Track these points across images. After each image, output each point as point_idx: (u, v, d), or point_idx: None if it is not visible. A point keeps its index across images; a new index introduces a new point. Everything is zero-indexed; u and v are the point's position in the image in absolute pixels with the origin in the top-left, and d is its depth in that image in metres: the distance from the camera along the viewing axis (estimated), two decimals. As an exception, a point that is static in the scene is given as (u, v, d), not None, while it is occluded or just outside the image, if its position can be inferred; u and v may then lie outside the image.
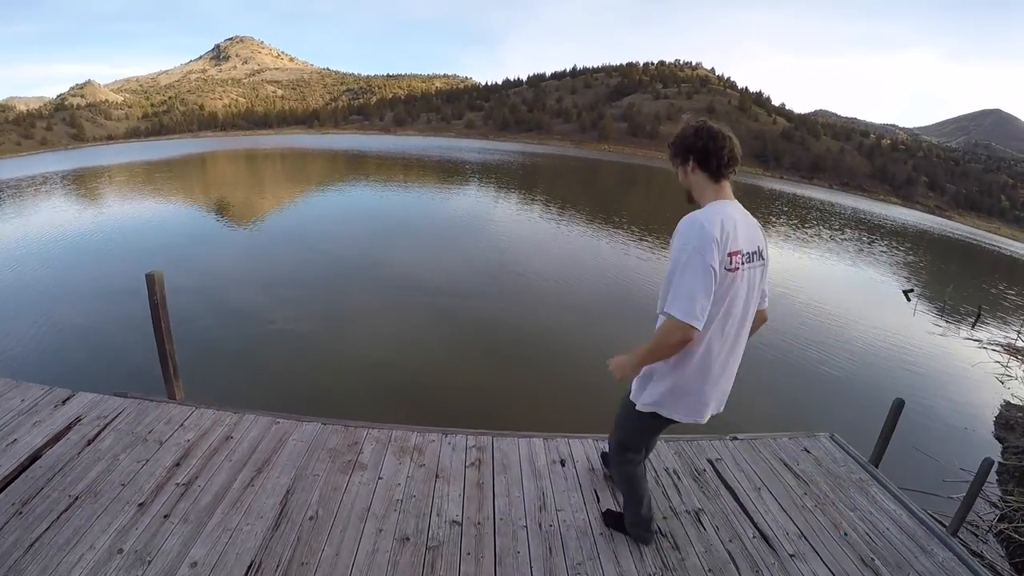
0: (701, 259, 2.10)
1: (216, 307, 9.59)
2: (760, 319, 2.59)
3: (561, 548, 2.95)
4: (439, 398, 6.84)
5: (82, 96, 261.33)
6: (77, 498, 2.95)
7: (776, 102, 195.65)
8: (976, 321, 14.38)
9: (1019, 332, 13.59)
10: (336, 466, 3.44)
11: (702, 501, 3.50)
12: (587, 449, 3.86)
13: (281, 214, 21.03)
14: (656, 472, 3.75)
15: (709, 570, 2.95)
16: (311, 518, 2.97)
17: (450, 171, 44.14)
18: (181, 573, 2.54)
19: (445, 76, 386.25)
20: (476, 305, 10.62)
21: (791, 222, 33.67)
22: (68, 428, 3.57)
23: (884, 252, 27.09)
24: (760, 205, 43.50)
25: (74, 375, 6.65)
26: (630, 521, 3.04)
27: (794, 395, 8.27)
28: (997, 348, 12.04)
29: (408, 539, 2.90)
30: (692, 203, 2.40)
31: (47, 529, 2.73)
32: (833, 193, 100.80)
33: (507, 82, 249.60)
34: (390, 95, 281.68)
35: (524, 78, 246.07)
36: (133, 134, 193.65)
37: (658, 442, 4.10)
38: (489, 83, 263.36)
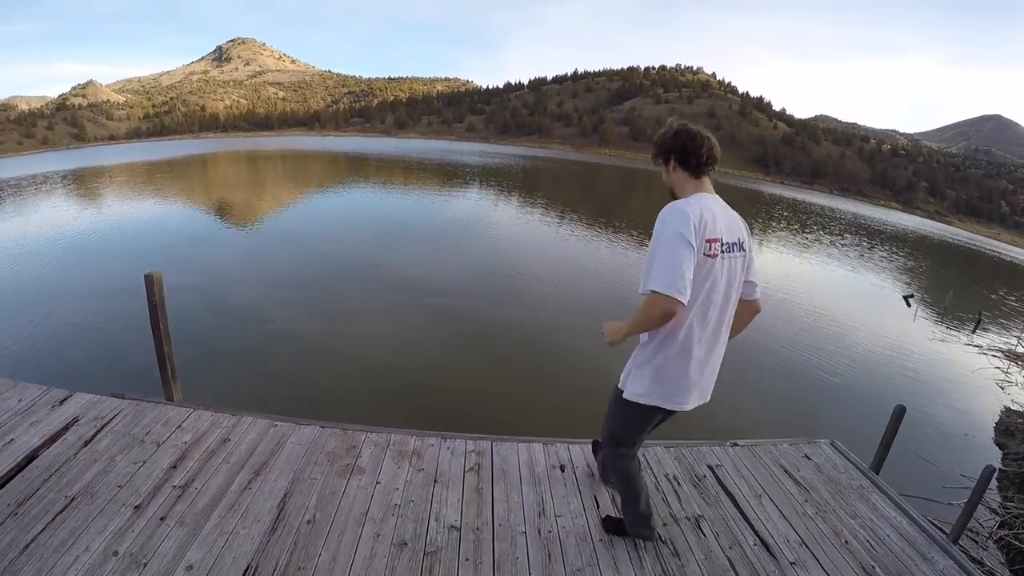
0: (681, 238, 2.20)
1: (215, 308, 9.57)
2: (753, 310, 2.70)
3: (560, 555, 2.93)
4: (438, 402, 6.82)
5: (84, 96, 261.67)
6: (73, 499, 2.93)
7: (777, 107, 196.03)
8: (976, 327, 14.36)
9: (1019, 338, 13.58)
10: (334, 470, 3.42)
11: (702, 508, 3.48)
12: (587, 455, 3.84)
13: (281, 215, 21.03)
14: (656, 478, 3.73)
15: (709, 577, 2.93)
16: (308, 522, 2.95)
17: (451, 174, 44.16)
18: (177, 576, 2.52)
19: (446, 79, 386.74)
20: (476, 308, 10.60)
21: (791, 227, 33.65)
22: (65, 429, 3.55)
23: (884, 257, 27.08)
24: (760, 210, 43.50)
25: (72, 375, 6.62)
26: (630, 521, 3.04)
27: (794, 401, 8.25)
28: (997, 354, 12.02)
29: (406, 544, 2.87)
30: (675, 200, 2.47)
31: (43, 530, 2.71)
32: (833, 198, 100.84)
33: (508, 86, 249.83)
34: (391, 98, 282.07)
35: (525, 82, 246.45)
36: (134, 134, 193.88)
37: (658, 447, 4.09)
38: (490, 86, 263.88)
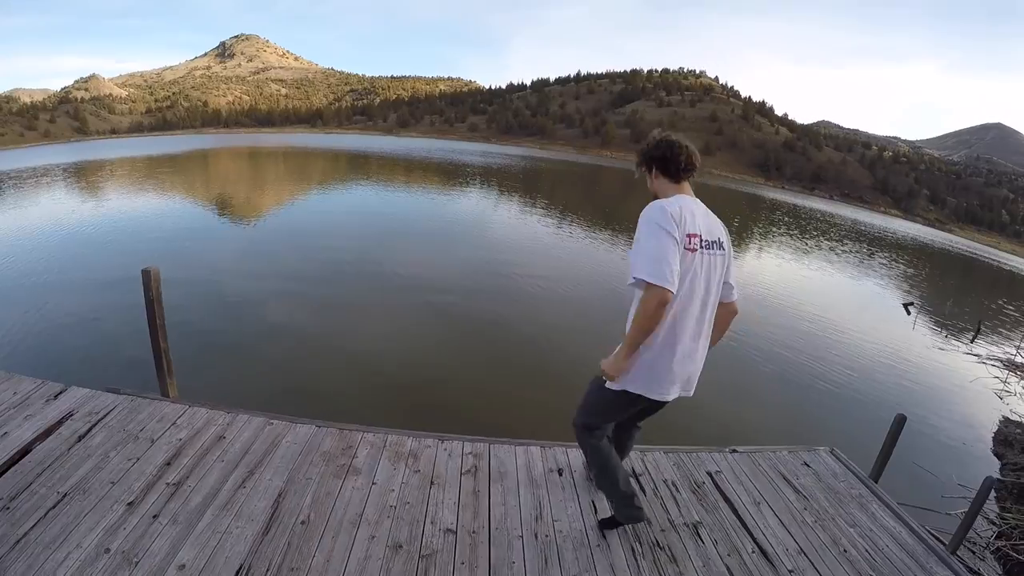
0: (663, 231, 2.35)
1: (213, 304, 9.54)
2: (730, 312, 2.78)
3: (557, 559, 2.90)
4: (436, 403, 6.79)
5: (86, 90, 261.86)
6: (66, 495, 2.90)
7: (779, 112, 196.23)
8: (975, 336, 14.34)
9: (1018, 347, 13.56)
10: (330, 470, 3.39)
11: (700, 514, 3.45)
12: (584, 457, 3.80)
13: (281, 212, 21.01)
14: (655, 483, 3.71)
15: (707, 585, 2.90)
16: (303, 522, 2.91)
17: (452, 174, 44.15)
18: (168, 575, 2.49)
19: (449, 79, 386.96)
20: (475, 308, 10.58)
21: (791, 232, 33.64)
22: (59, 423, 3.52)
23: (884, 265, 27.08)
24: (761, 215, 43.51)
25: (68, 369, 6.60)
26: (615, 505, 3.06)
27: (793, 408, 8.23)
28: (996, 363, 11.99)
29: (401, 547, 2.84)
30: None
31: (34, 526, 2.67)
32: (834, 204, 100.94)
33: (511, 86, 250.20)
34: (394, 96, 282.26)
35: (528, 82, 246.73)
36: (136, 129, 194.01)
37: (657, 452, 4.07)
38: (493, 87, 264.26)
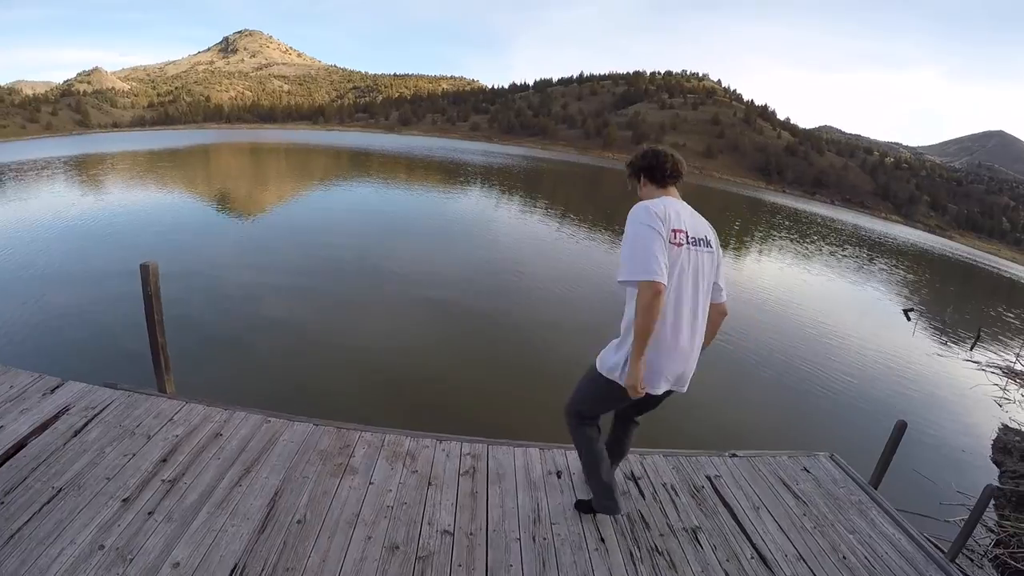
0: (649, 227, 2.46)
1: (211, 299, 9.52)
2: (719, 312, 2.85)
3: (555, 563, 2.87)
4: (434, 402, 6.77)
5: (89, 83, 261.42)
6: (60, 490, 2.87)
7: (781, 116, 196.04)
8: (975, 343, 14.34)
9: (1018, 355, 13.53)
10: (327, 469, 3.36)
11: (699, 519, 3.43)
12: (583, 461, 3.79)
13: (282, 209, 21.01)
14: (654, 487, 3.68)
15: (705, 591, 2.89)
16: (299, 522, 2.89)
17: (453, 172, 44.15)
18: (162, 574, 2.46)
19: (452, 78, 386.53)
20: (475, 308, 10.56)
21: (792, 236, 33.63)
22: (55, 417, 3.49)
23: (884, 270, 27.09)
24: (762, 219, 43.49)
25: (64, 363, 6.57)
26: (595, 493, 3.17)
27: (792, 413, 8.21)
28: (996, 371, 11.97)
29: (398, 548, 2.81)
30: None
31: (28, 521, 2.65)
32: (835, 209, 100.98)
33: (513, 86, 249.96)
34: (396, 94, 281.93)
35: (531, 83, 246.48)
36: (138, 123, 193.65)
37: (656, 456, 4.05)
38: (495, 86, 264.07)
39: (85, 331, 7.90)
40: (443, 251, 15.34)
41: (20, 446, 3.19)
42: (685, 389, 2.75)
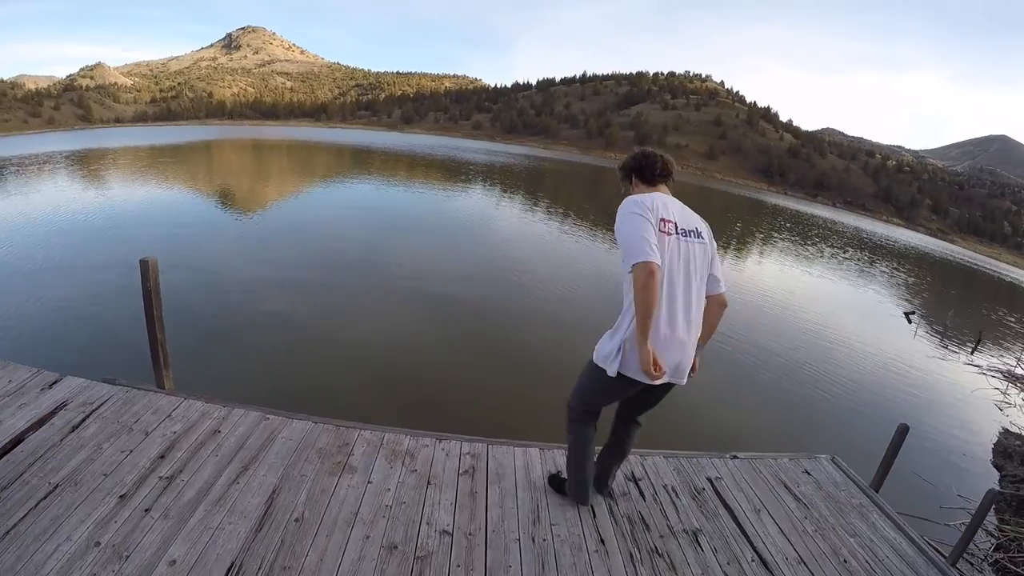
0: (636, 216, 2.56)
1: (211, 295, 9.49)
2: (719, 304, 2.84)
3: (554, 564, 2.85)
4: (434, 401, 6.74)
5: (91, 77, 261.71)
6: (57, 486, 2.85)
7: (784, 118, 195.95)
8: (976, 346, 14.31)
9: (1019, 359, 13.52)
10: (325, 467, 3.34)
11: (700, 521, 3.41)
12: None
13: (283, 205, 20.97)
14: (654, 488, 3.66)
15: (706, 594, 2.87)
16: (296, 520, 2.86)
17: (455, 171, 44.11)
18: (159, 571, 2.44)
19: (455, 76, 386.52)
20: (475, 306, 10.53)
21: (793, 238, 33.60)
22: (53, 413, 3.47)
23: (885, 273, 27.07)
24: (763, 220, 43.46)
25: (63, 358, 6.55)
26: (571, 483, 3.32)
27: (793, 415, 8.18)
28: (997, 374, 11.96)
29: (396, 547, 2.79)
30: None
31: (24, 517, 2.63)
32: (836, 211, 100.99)
33: (516, 85, 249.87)
34: (399, 92, 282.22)
35: (533, 82, 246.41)
36: (141, 118, 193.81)
37: (657, 457, 4.03)
38: (498, 85, 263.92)
39: (84, 326, 7.87)
40: (444, 249, 15.32)
41: (17, 441, 3.17)
42: (684, 381, 2.76)
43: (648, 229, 2.51)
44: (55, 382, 3.81)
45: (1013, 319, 21.36)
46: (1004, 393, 10.67)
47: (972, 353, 13.72)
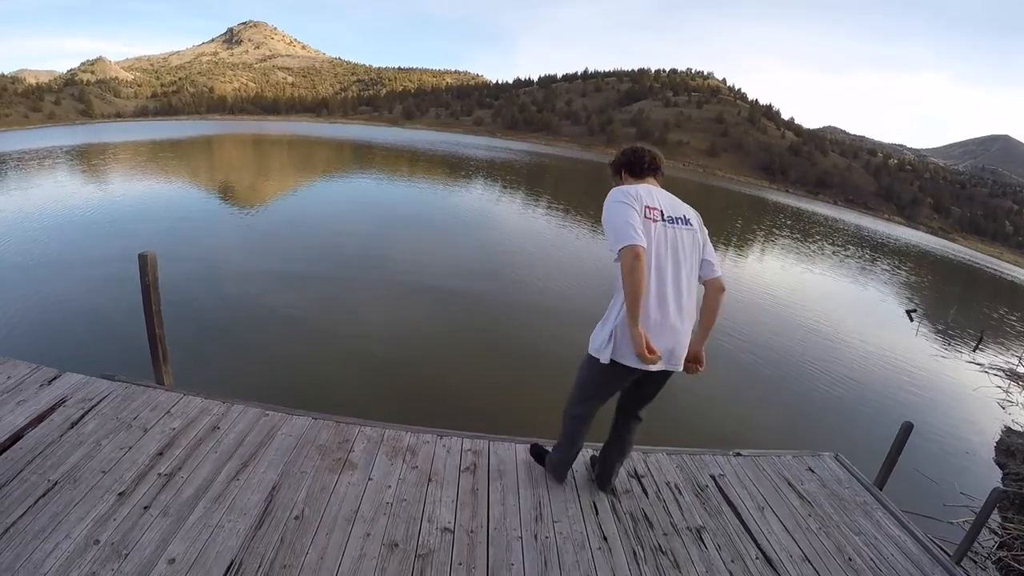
0: (620, 203, 2.61)
1: (210, 291, 9.46)
2: (716, 288, 2.83)
3: (557, 561, 2.83)
4: (435, 396, 6.72)
5: (92, 72, 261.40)
6: (56, 483, 2.82)
7: (786, 116, 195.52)
8: (978, 344, 14.29)
9: (1021, 358, 13.50)
10: (325, 464, 3.31)
11: (704, 518, 3.39)
12: (587, 458, 3.72)
13: (283, 201, 20.93)
14: (657, 485, 3.64)
15: (709, 592, 2.84)
16: (296, 518, 2.84)
17: (456, 167, 44.07)
18: (158, 569, 2.41)
19: (456, 72, 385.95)
20: (477, 303, 10.51)
21: (795, 236, 33.57)
22: (52, 409, 3.45)
23: (887, 271, 27.04)
24: (764, 218, 43.40)
25: (63, 354, 6.52)
26: (553, 460, 3.44)
27: (795, 412, 8.17)
28: (999, 372, 11.94)
29: (397, 545, 2.77)
30: None
31: (23, 515, 2.60)
32: (838, 209, 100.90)
33: (518, 81, 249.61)
34: (400, 88, 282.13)
35: (535, 78, 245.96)
36: (141, 113, 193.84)
37: (660, 454, 4.00)
38: (500, 81, 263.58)
39: (83, 321, 7.85)
40: (445, 245, 15.29)
41: (16, 438, 3.14)
42: (680, 367, 2.77)
43: (632, 215, 2.56)
44: (54, 378, 3.78)
45: (1015, 318, 21.36)
46: (1006, 391, 10.66)
47: (974, 351, 13.71)
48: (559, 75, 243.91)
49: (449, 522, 3.00)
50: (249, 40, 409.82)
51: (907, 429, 4.39)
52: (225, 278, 10.22)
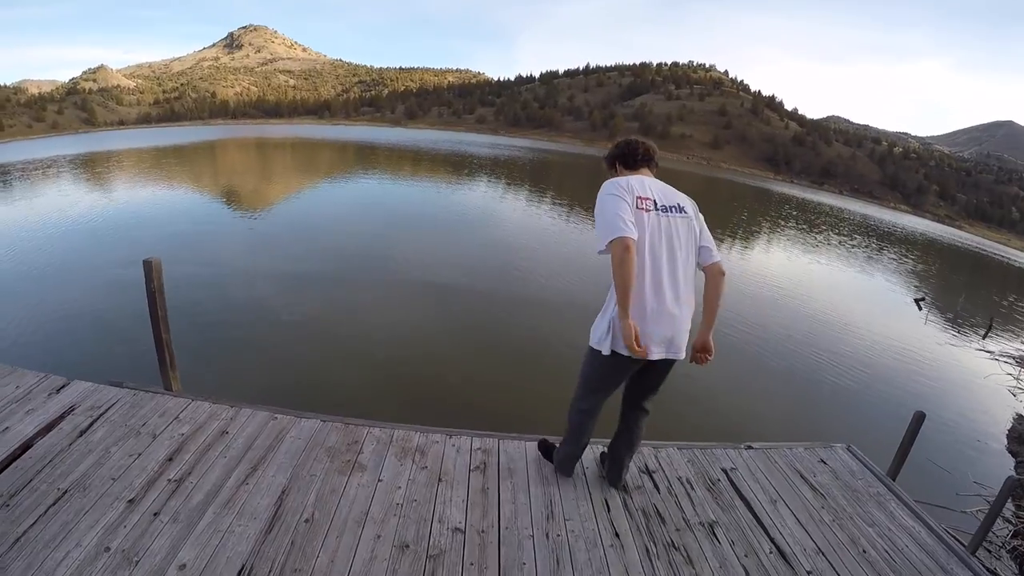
0: (612, 196, 2.65)
1: (216, 295, 9.48)
2: (716, 272, 2.85)
3: (569, 560, 2.81)
4: (444, 396, 6.71)
5: (94, 80, 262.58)
6: (66, 492, 2.82)
7: (789, 106, 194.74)
8: (988, 332, 14.20)
9: (1032, 345, 13.41)
10: (335, 466, 3.30)
11: (716, 513, 3.36)
12: (597, 455, 3.70)
13: (287, 204, 20.94)
14: (669, 481, 3.61)
15: (724, 587, 2.82)
16: (306, 521, 2.83)
17: (459, 165, 44.05)
18: None
19: (458, 71, 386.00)
20: (484, 301, 10.48)
21: (800, 226, 33.43)
22: (61, 418, 3.45)
23: (894, 260, 26.90)
24: (769, 209, 43.25)
25: (70, 362, 6.53)
26: (560, 455, 3.44)
27: (805, 403, 8.13)
28: (1009, 360, 11.85)
29: (408, 547, 2.75)
30: None
31: (33, 524, 2.60)
32: (843, 199, 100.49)
33: (520, 78, 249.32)
34: (402, 88, 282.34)
35: (537, 75, 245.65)
36: (144, 120, 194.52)
37: (671, 448, 3.98)
38: (502, 79, 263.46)
39: (91, 329, 7.88)
40: (450, 244, 15.28)
41: (26, 447, 3.14)
42: (682, 355, 2.78)
43: (623, 207, 2.59)
44: (62, 387, 3.79)
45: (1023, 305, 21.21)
46: (1017, 379, 10.57)
47: (984, 339, 13.62)
48: (560, 71, 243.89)
49: (460, 522, 2.98)
50: (250, 44, 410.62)
51: (919, 419, 4.35)
52: (230, 282, 10.24)
